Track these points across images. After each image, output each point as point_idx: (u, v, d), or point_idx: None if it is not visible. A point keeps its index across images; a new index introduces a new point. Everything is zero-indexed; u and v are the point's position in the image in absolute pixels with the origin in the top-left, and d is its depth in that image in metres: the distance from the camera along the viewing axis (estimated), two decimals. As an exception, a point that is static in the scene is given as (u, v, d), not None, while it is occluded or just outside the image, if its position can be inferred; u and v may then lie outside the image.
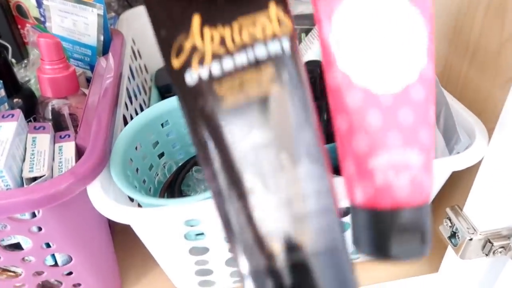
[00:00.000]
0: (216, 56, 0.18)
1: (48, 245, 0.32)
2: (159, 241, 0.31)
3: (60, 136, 0.33)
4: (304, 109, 0.18)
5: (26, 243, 0.31)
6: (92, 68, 0.48)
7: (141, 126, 0.35)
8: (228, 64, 0.18)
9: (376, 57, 0.19)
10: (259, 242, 0.17)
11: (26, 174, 0.28)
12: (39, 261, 0.33)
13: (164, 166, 0.40)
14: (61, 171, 0.30)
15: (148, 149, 0.37)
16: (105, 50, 0.46)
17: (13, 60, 0.48)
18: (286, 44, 0.19)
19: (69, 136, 0.33)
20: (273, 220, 0.17)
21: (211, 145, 0.18)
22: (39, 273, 0.34)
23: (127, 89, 0.45)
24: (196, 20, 0.19)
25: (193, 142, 0.18)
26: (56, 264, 0.34)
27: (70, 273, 0.35)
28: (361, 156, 0.19)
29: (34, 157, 0.29)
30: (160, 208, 0.26)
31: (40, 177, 0.28)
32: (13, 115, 0.29)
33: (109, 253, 0.38)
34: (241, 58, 0.18)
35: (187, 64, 0.18)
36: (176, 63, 0.19)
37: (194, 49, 0.19)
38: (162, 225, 0.28)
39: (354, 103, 0.19)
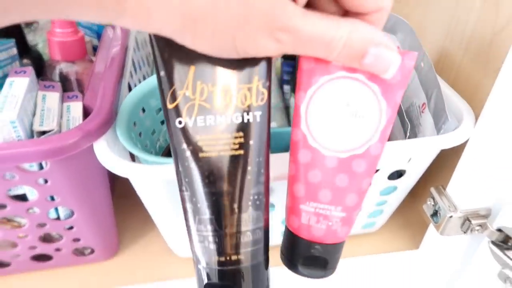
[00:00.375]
0: (202, 110, 0.22)
1: (52, 199, 0.34)
2: (157, 199, 0.33)
3: (68, 96, 0.34)
4: (258, 170, 0.23)
5: (32, 194, 0.33)
6: (99, 36, 0.49)
7: (146, 92, 0.37)
8: (210, 120, 0.22)
9: (333, 125, 0.23)
10: (207, 253, 0.23)
11: (37, 128, 0.29)
12: (43, 214, 0.34)
13: (165, 133, 0.42)
14: (69, 128, 0.31)
15: (151, 114, 0.38)
16: (112, 19, 0.47)
17: (22, 24, 0.49)
18: (258, 114, 0.23)
19: (76, 96, 0.34)
20: (223, 243, 0.23)
21: (186, 179, 0.23)
22: (42, 225, 0.36)
23: (132, 60, 0.46)
24: (191, 72, 0.22)
25: (175, 168, 0.23)
26: (58, 218, 0.36)
27: (71, 228, 0.37)
28: (297, 199, 0.24)
29: (44, 113, 0.30)
30: (162, 165, 0.28)
31: (49, 131, 0.30)
32: (25, 72, 0.31)
33: (109, 212, 0.40)
34: (221, 119, 0.22)
35: (178, 110, 0.22)
36: (170, 105, 0.22)
37: (186, 98, 0.22)
38: (163, 181, 0.30)
39: (303, 159, 0.24)
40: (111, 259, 0.43)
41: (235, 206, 0.23)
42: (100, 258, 0.42)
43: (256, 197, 0.23)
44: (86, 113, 0.34)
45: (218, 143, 0.22)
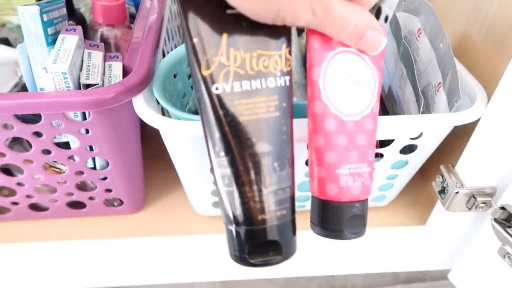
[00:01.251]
0: (237, 76, 0.23)
1: (91, 149, 0.37)
2: (185, 154, 0.36)
3: (110, 56, 0.37)
4: (290, 130, 0.25)
5: (74, 143, 0.36)
6: (136, 5, 0.52)
7: (180, 57, 0.39)
8: (246, 85, 0.23)
9: (346, 94, 0.27)
10: (253, 213, 0.24)
11: (83, 81, 0.32)
12: (82, 162, 0.38)
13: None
14: (110, 84, 0.34)
15: (184, 79, 0.41)
16: (150, -10, 0.50)
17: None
18: (287, 79, 0.25)
19: (117, 57, 0.37)
20: (265, 201, 0.25)
21: (225, 145, 0.24)
22: (79, 173, 0.39)
23: (167, 28, 0.49)
24: (224, 39, 0.23)
25: (205, 136, 0.24)
26: (94, 168, 0.39)
27: (104, 178, 0.41)
28: (331, 166, 0.27)
29: (89, 68, 0.34)
30: (192, 121, 0.31)
31: (94, 85, 0.33)
32: (75, 30, 0.34)
33: (139, 167, 0.43)
34: (257, 84, 0.24)
35: (214, 76, 0.23)
36: (205, 72, 0.23)
37: (221, 65, 0.23)
38: (192, 136, 0.33)
39: (330, 127, 0.26)
40: (137, 213, 0.46)
41: (276, 164, 0.24)
42: (127, 210, 0.46)
43: (290, 155, 0.25)
44: (125, 73, 0.37)
45: (256, 106, 0.24)
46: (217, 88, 0.23)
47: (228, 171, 0.24)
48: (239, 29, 0.24)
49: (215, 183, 0.25)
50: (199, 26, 0.23)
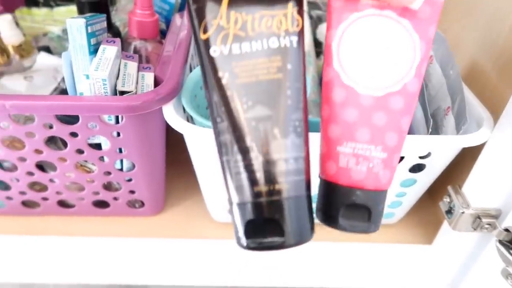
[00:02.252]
0: (237, 38, 0.23)
1: (120, 151, 0.40)
2: (208, 160, 0.39)
3: (143, 67, 0.41)
4: (297, 95, 0.23)
5: (105, 144, 0.39)
6: (167, 22, 0.56)
7: (206, 72, 0.43)
8: (246, 47, 0.22)
9: (367, 63, 0.23)
10: (250, 184, 0.23)
11: (119, 88, 0.36)
12: (111, 163, 0.41)
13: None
14: (143, 92, 0.38)
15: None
16: (181, 8, 0.54)
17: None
18: (294, 40, 0.23)
19: (150, 68, 0.41)
20: (263, 172, 0.23)
21: (222, 109, 0.23)
22: (107, 174, 0.42)
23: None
24: (224, 2, 0.22)
25: (208, 103, 0.23)
26: (121, 169, 0.42)
27: (129, 180, 0.43)
28: (332, 141, 0.24)
29: (125, 77, 0.37)
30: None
31: (129, 92, 0.36)
32: (114, 41, 0.37)
33: (162, 171, 0.46)
34: (257, 45, 0.23)
35: (212, 39, 0.23)
36: (203, 36, 0.23)
37: (220, 28, 0.23)
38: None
39: (338, 97, 0.23)
40: (156, 216, 0.49)
41: (276, 130, 0.22)
42: (147, 212, 0.48)
43: (297, 123, 0.23)
44: (156, 83, 0.40)
45: (255, 67, 0.22)
46: (214, 51, 0.23)
47: (225, 138, 0.23)
48: None
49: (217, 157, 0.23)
50: None
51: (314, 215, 0.25)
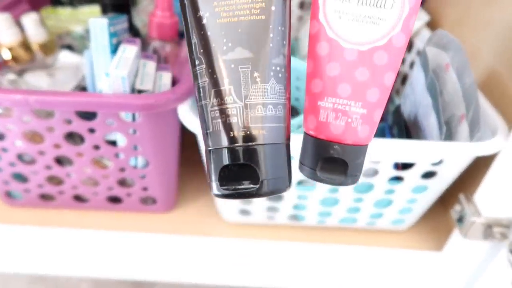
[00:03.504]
0: None
1: (135, 148, 0.41)
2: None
3: (161, 67, 0.42)
4: (281, 40, 0.22)
5: (122, 141, 0.40)
6: (185, 24, 0.57)
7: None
8: None
9: (351, 15, 0.22)
10: (226, 129, 0.22)
11: (138, 86, 0.37)
12: (126, 160, 0.42)
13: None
14: (160, 91, 0.39)
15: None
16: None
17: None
18: None
19: (167, 69, 0.42)
20: (239, 116, 0.22)
21: (201, 51, 0.22)
22: (122, 170, 0.43)
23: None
24: None
25: (187, 43, 0.22)
26: (135, 166, 0.43)
27: (143, 177, 0.44)
28: (314, 95, 0.23)
29: (144, 76, 0.38)
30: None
31: (147, 90, 0.37)
32: (135, 42, 0.39)
33: (175, 170, 0.47)
34: None
35: None
36: None
37: None
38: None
39: (321, 51, 0.23)
40: (168, 213, 0.50)
41: (256, 74, 0.21)
42: (159, 209, 0.49)
43: (278, 68, 0.22)
44: (173, 83, 0.41)
45: (237, 8, 0.21)
46: None
47: (203, 81, 0.22)
48: None
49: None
50: None
51: (297, 167, 0.25)
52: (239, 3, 0.21)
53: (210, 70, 0.22)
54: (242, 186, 0.22)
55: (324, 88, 0.23)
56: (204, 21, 0.21)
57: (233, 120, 0.21)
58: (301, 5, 0.69)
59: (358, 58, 0.23)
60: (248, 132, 0.21)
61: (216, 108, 0.22)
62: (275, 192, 0.22)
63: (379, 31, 0.22)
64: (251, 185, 0.22)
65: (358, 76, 0.23)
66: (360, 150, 0.24)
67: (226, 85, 0.21)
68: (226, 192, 0.22)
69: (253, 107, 0.21)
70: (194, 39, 0.22)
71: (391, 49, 0.22)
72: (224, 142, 0.22)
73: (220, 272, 0.51)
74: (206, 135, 0.22)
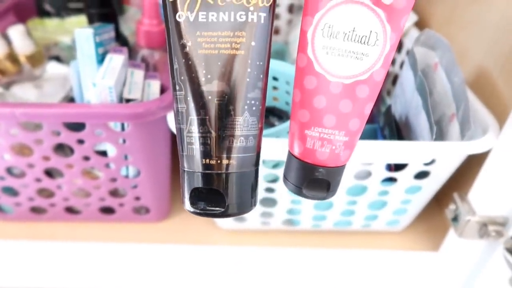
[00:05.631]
0: (204, 5, 0.22)
1: (126, 158, 0.41)
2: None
3: (149, 76, 0.41)
4: (258, 74, 0.23)
5: (112, 151, 0.40)
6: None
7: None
8: (212, 16, 0.22)
9: (338, 52, 0.24)
10: (198, 156, 0.23)
11: (126, 95, 0.36)
12: (117, 170, 0.42)
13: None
14: (149, 100, 0.38)
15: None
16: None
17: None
18: (263, 15, 0.23)
19: (156, 77, 0.41)
20: (212, 146, 0.23)
21: (181, 77, 0.23)
22: (113, 180, 0.43)
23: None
24: None
25: (169, 65, 0.23)
26: (127, 176, 0.43)
27: (135, 186, 0.44)
28: (301, 124, 0.25)
29: (132, 85, 0.38)
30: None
31: (135, 99, 0.37)
32: (121, 51, 0.38)
33: (167, 179, 0.46)
34: (224, 16, 0.22)
35: (180, 3, 0.22)
36: None
37: None
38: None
39: (309, 84, 0.24)
40: (161, 222, 0.49)
41: (231, 107, 0.23)
42: (152, 219, 0.49)
43: (253, 102, 0.23)
44: (162, 91, 0.41)
45: (219, 40, 0.22)
46: (180, 16, 0.22)
47: (182, 106, 0.23)
48: None
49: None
50: None
51: (282, 181, 0.27)
52: (221, 36, 0.22)
53: (188, 98, 0.23)
54: (210, 208, 0.24)
55: (311, 119, 0.25)
56: (187, 49, 0.22)
57: (206, 148, 0.23)
58: (290, 9, 0.69)
59: (342, 91, 0.24)
60: (218, 161, 0.23)
61: (191, 134, 0.23)
62: (240, 213, 0.24)
63: (362, 66, 0.24)
64: (218, 208, 0.23)
65: (342, 108, 0.25)
66: (340, 169, 0.26)
67: (201, 115, 0.23)
68: (196, 210, 0.24)
69: (225, 138, 0.23)
70: (176, 65, 0.23)
71: (372, 83, 0.24)
72: (197, 167, 0.23)
73: (216, 280, 0.50)
74: (181, 156, 0.24)
